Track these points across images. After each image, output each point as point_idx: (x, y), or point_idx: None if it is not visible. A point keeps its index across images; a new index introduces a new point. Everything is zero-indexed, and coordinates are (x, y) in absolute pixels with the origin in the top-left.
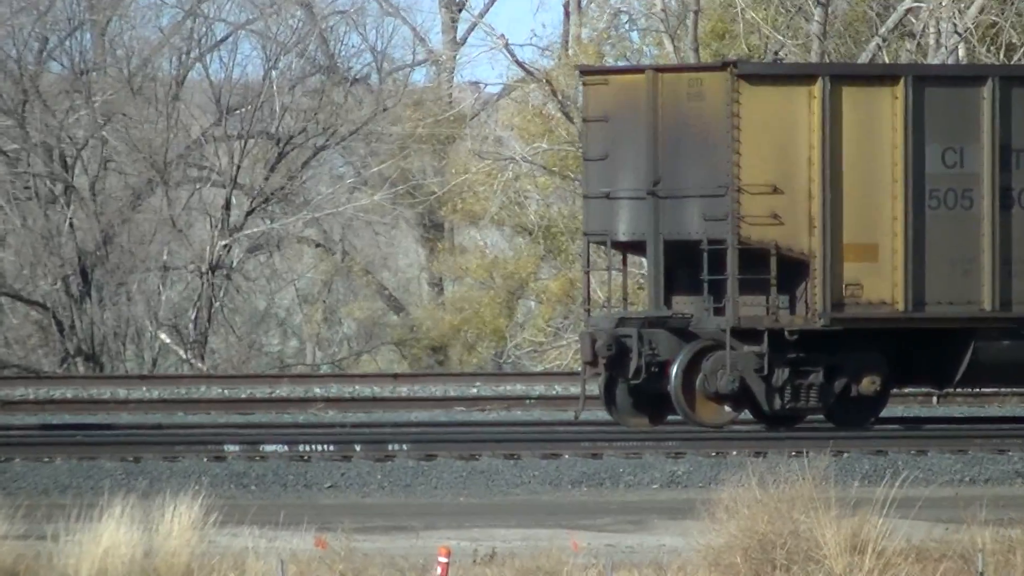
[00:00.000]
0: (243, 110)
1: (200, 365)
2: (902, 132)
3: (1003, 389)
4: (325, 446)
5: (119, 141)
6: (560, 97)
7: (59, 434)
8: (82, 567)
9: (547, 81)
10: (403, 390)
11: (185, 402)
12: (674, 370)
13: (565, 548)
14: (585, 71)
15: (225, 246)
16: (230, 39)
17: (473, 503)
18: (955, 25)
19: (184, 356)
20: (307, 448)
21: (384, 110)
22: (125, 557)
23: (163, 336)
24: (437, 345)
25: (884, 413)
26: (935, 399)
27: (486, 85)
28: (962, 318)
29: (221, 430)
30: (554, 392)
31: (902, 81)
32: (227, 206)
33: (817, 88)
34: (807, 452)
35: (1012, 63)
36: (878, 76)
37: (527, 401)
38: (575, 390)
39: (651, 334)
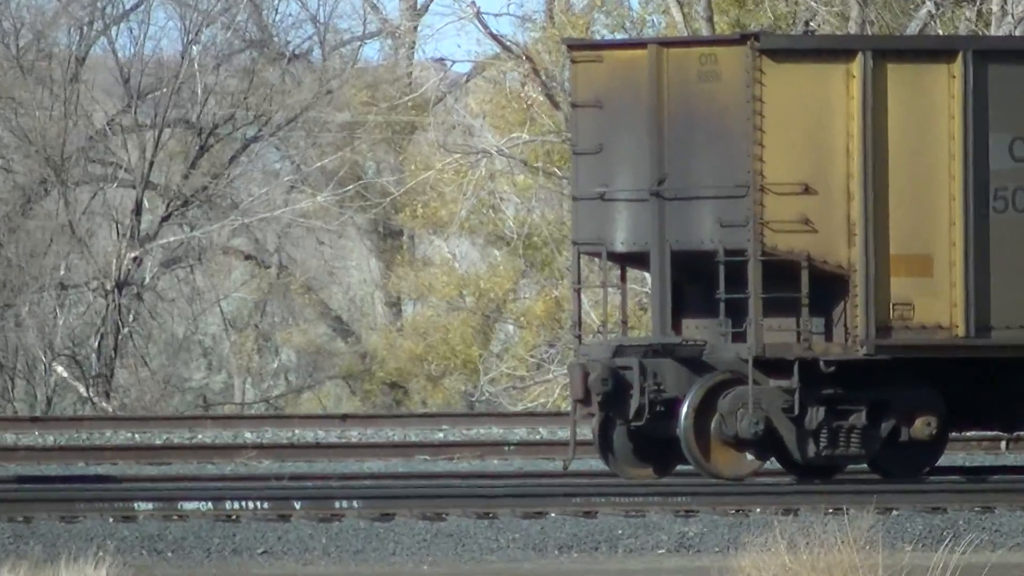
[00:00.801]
0: (157, 94)
1: (105, 405)
2: (960, 119)
3: None
4: (258, 503)
5: (6, 132)
6: (543, 77)
7: None
8: None
9: (527, 58)
10: (353, 434)
11: (87, 449)
12: (684, 410)
13: None
14: (574, 45)
15: (135, 259)
16: (141, 7)
17: (439, 573)
18: None
19: (86, 394)
20: (236, 506)
21: (329, 93)
22: None
23: (60, 369)
24: (395, 379)
25: (941, 462)
26: (1004, 445)
27: (453, 63)
28: None
29: (131, 484)
30: (538, 437)
31: (960, 57)
32: (138, 210)
33: (857, 66)
34: (847, 509)
35: None
36: (931, 51)
37: (505, 448)
38: (563, 434)
39: (656, 365)
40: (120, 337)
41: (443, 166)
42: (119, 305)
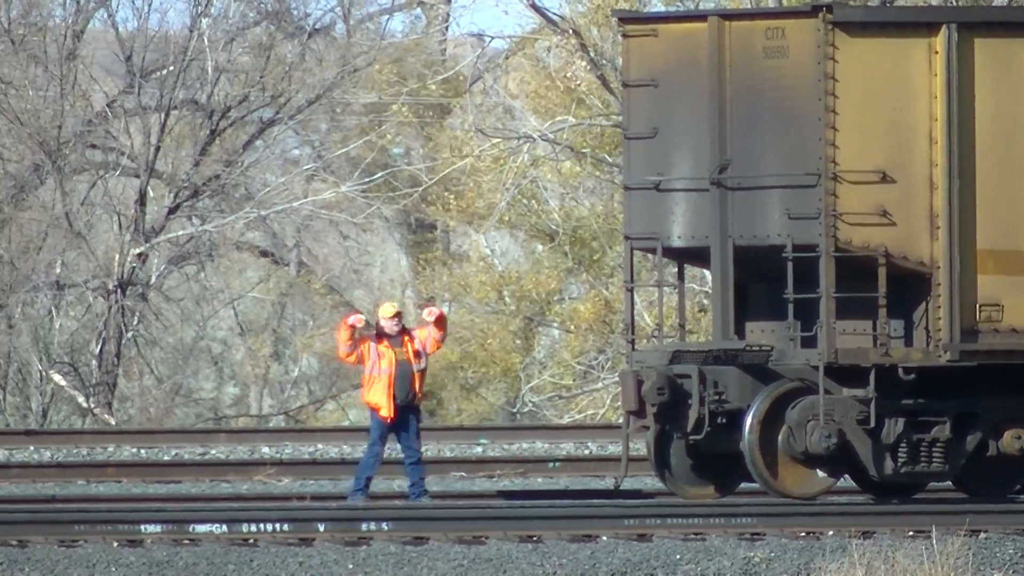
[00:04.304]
0: (163, 72)
1: (107, 417)
2: None
3: None
4: (277, 526)
5: None
6: (592, 54)
7: None
8: None
9: (574, 32)
10: None
11: (87, 467)
12: (748, 422)
13: None
14: (626, 18)
15: (140, 255)
16: None
17: None
18: None
19: (85, 404)
20: (253, 529)
21: (354, 71)
22: None
23: (57, 377)
24: (428, 388)
25: None
26: None
27: (491, 38)
28: None
29: (136, 505)
30: (586, 452)
31: None
32: (142, 201)
33: (940, 40)
34: (933, 532)
35: None
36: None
37: (550, 464)
38: (614, 449)
39: (717, 373)
40: (123, 342)
41: (480, 152)
42: (122, 307)
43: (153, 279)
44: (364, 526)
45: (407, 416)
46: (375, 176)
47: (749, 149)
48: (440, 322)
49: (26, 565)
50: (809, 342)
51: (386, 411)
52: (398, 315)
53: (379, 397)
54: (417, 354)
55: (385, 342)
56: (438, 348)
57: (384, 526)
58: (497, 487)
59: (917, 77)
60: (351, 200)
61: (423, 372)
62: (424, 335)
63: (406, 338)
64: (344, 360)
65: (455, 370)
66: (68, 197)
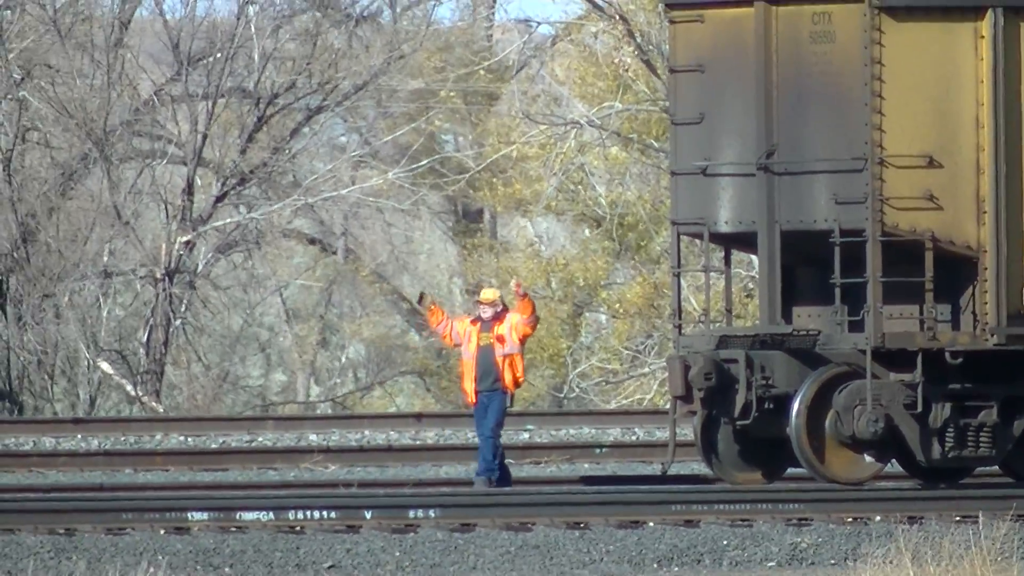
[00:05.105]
0: (210, 60)
1: (154, 405)
2: None
3: None
4: (324, 513)
5: (43, 103)
6: (639, 40)
7: None
8: None
9: (621, 18)
10: (429, 436)
11: (135, 455)
12: (795, 407)
13: None
14: (673, 4)
15: (187, 243)
16: None
17: None
18: None
19: (133, 392)
20: (300, 516)
21: (401, 58)
22: None
23: (104, 366)
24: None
25: None
26: None
27: (538, 24)
28: None
29: (183, 492)
30: (633, 437)
31: None
32: (189, 189)
33: (987, 24)
34: (980, 517)
35: None
36: None
37: (597, 451)
38: (662, 435)
39: (764, 358)
40: (171, 330)
41: (527, 139)
42: (170, 294)
43: (200, 267)
44: (411, 513)
45: (491, 400)
46: (422, 163)
47: (796, 134)
48: (524, 301)
49: (73, 553)
50: (856, 326)
51: (469, 396)
52: (488, 302)
53: (465, 381)
54: (502, 338)
55: (479, 325)
56: (529, 332)
57: (431, 513)
58: (544, 473)
59: (963, 62)
60: (398, 187)
61: (509, 357)
62: (515, 320)
63: (496, 322)
64: (448, 345)
65: None
66: (115, 186)
